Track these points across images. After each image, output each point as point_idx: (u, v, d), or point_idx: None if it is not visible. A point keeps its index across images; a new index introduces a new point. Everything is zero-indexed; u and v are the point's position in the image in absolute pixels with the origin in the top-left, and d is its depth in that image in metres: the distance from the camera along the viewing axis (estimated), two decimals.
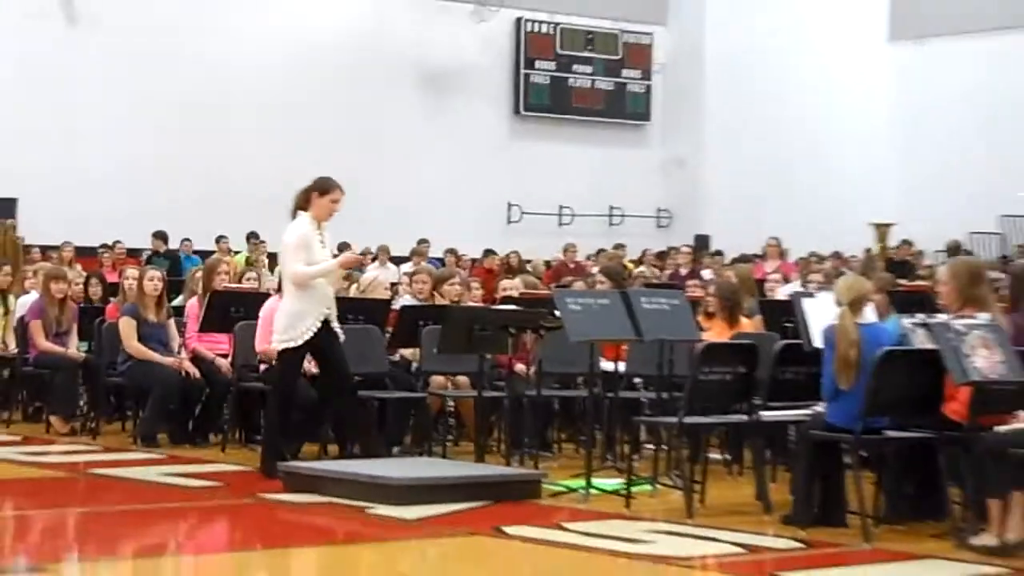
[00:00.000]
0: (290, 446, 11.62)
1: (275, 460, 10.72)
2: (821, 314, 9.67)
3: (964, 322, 8.60)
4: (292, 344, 10.84)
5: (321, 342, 10.95)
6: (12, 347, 14.46)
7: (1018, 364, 8.40)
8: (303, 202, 11.19)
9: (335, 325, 11.09)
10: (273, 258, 18.78)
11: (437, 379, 12.62)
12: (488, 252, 22.60)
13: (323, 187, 11.24)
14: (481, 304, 14.84)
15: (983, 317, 8.69)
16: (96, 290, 15.70)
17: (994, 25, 27.18)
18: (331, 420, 12.05)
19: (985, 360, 8.39)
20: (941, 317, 9.04)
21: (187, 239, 21.58)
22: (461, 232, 22.65)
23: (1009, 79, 26.86)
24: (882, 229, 22.77)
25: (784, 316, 12.16)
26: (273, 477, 10.50)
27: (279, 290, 12.92)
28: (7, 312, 14.65)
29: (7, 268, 15.63)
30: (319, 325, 10.87)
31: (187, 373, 12.72)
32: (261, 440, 11.56)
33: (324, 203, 11.18)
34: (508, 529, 8.70)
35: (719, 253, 23.91)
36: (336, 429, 12.11)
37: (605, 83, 27.44)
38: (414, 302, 13.85)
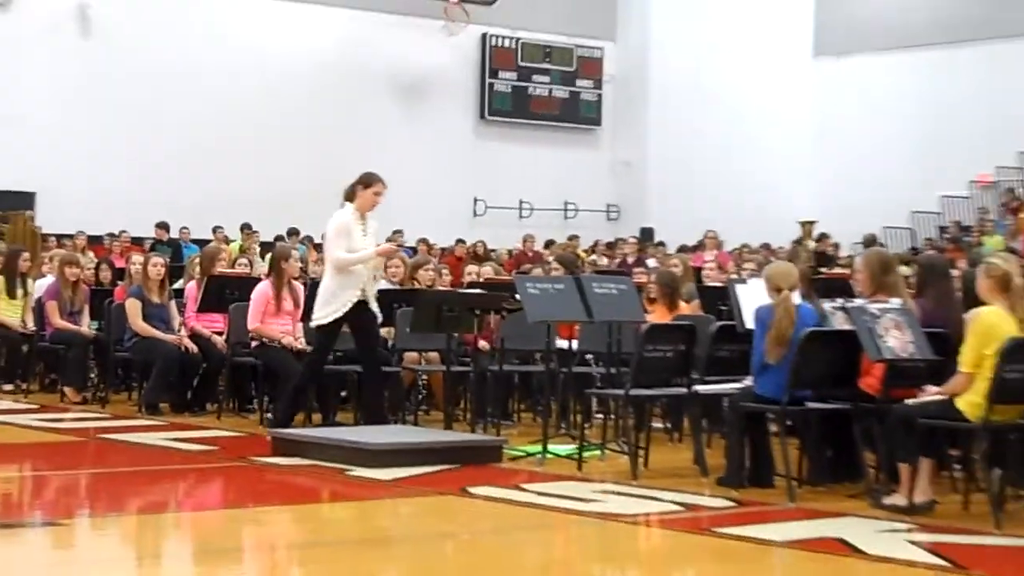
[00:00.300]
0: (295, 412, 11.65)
1: (289, 419, 11.06)
2: (752, 298, 9.77)
3: (878, 306, 8.71)
4: (324, 320, 10.93)
5: (357, 320, 11.02)
6: (30, 325, 14.43)
7: (925, 344, 8.51)
8: (350, 194, 11.20)
9: (373, 306, 11.15)
10: (265, 247, 18.71)
11: (410, 355, 12.71)
12: (458, 241, 22.57)
13: (367, 181, 11.26)
14: (449, 288, 14.86)
15: (895, 302, 8.80)
16: (106, 274, 15.71)
17: (906, 43, 27.51)
18: (315, 391, 12.10)
19: (896, 340, 8.49)
20: (858, 302, 9.11)
21: (186, 228, 21.51)
22: (432, 224, 22.76)
23: (920, 90, 27.28)
24: (807, 225, 22.96)
25: (720, 300, 12.19)
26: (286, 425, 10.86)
27: (269, 274, 12.93)
28: (26, 294, 14.65)
29: (26, 254, 15.59)
30: (350, 305, 10.88)
31: (186, 349, 12.76)
32: (282, 398, 11.60)
33: (368, 195, 11.18)
34: (472, 489, 8.77)
35: (662, 244, 23.92)
36: (320, 399, 12.16)
37: (561, 92, 27.62)
38: (389, 286, 13.71)
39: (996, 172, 25.35)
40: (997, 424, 7.86)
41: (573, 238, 23.42)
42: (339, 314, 10.90)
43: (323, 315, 10.91)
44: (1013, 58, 25.93)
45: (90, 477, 9.67)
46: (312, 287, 13.00)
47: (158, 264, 13.60)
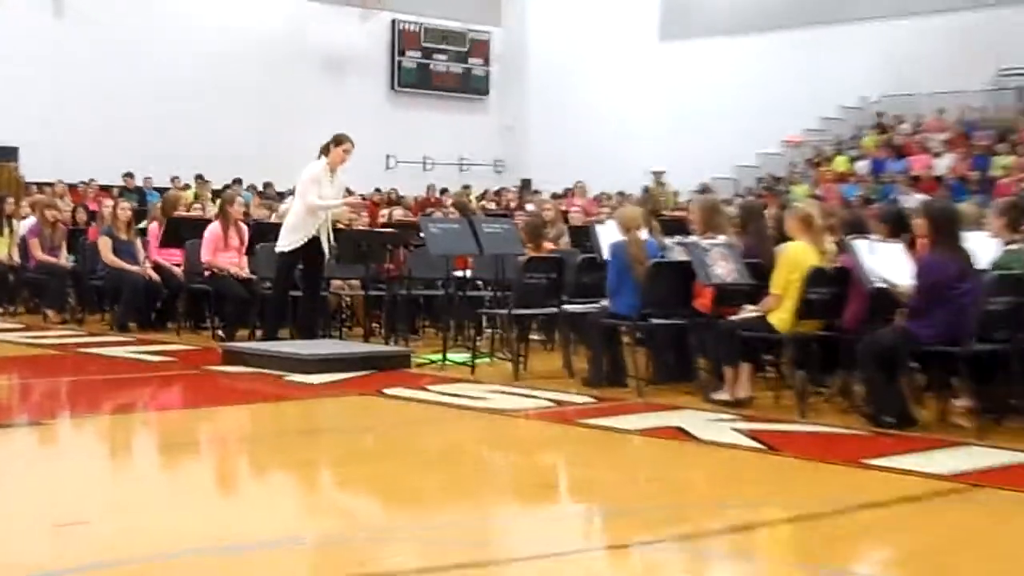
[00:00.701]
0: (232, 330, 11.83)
1: (274, 332, 11.15)
2: (608, 236, 9.92)
3: (708, 241, 8.88)
4: (286, 248, 10.92)
5: (307, 253, 10.98)
6: (16, 259, 14.26)
7: (745, 271, 8.70)
8: (324, 150, 11.22)
9: (324, 245, 11.09)
10: (215, 194, 18.51)
11: (336, 282, 12.63)
12: (375, 190, 22.34)
13: (338, 140, 11.29)
14: (366, 228, 14.55)
15: (721, 238, 8.98)
16: (81, 216, 15.70)
17: (735, 30, 27.54)
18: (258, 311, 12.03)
19: (723, 268, 8.68)
20: (692, 238, 9.23)
21: (149, 177, 21.20)
22: (353, 175, 22.40)
23: (745, 67, 27.29)
24: (657, 175, 22.95)
25: (584, 238, 12.20)
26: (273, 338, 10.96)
27: (218, 216, 12.93)
28: (11, 232, 14.46)
29: (11, 200, 15.49)
30: (305, 241, 10.87)
31: (150, 278, 12.69)
32: (264, 317, 11.64)
33: (338, 152, 11.20)
34: (387, 390, 8.88)
35: (538, 192, 23.74)
36: (260, 317, 11.99)
37: (456, 68, 27.48)
38: None
39: (804, 134, 25.56)
40: (801, 335, 8.17)
41: (466, 187, 23.24)
42: (298, 244, 10.89)
43: (286, 243, 10.91)
44: (818, 42, 26.10)
45: (69, 384, 9.64)
46: (255, 228, 13.14)
47: (125, 208, 13.57)
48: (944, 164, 22.64)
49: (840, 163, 24.15)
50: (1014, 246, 8.04)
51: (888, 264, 8.05)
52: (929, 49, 24.42)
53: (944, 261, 7.61)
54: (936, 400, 8.06)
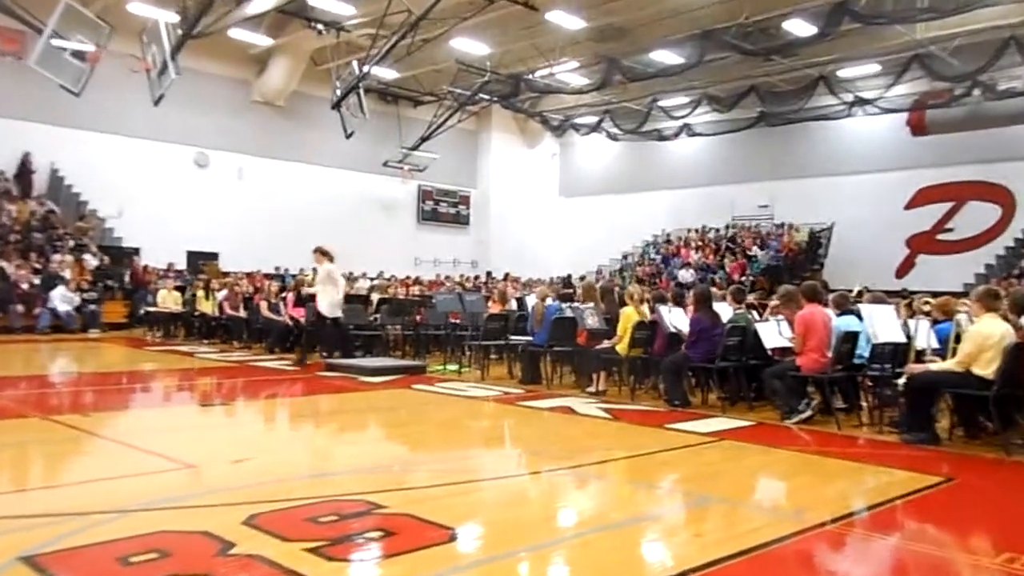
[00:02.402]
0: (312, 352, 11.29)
1: (305, 359, 10.55)
2: (532, 302, 9.93)
3: (584, 306, 8.90)
4: (326, 313, 10.44)
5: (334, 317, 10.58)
6: (215, 313, 14.01)
7: (604, 322, 8.67)
8: (330, 259, 10.56)
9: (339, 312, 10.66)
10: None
11: (388, 327, 12.33)
12: (406, 276, 21.86)
13: (331, 256, 10.59)
14: (404, 297, 14.32)
15: (591, 304, 8.96)
16: (249, 289, 15.15)
17: (600, 191, 27.41)
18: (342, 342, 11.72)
19: (592, 320, 8.67)
20: (576, 304, 9.21)
21: (287, 267, 20.74)
22: (394, 268, 22.48)
23: (605, 214, 26.87)
24: (556, 277, 23.02)
25: (520, 303, 12.07)
26: (304, 366, 10.32)
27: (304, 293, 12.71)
28: (213, 298, 14.22)
29: (214, 280, 15.26)
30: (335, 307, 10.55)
31: (288, 324, 12.33)
32: (299, 348, 11.08)
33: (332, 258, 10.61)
34: (414, 386, 8.74)
35: (494, 277, 23.64)
36: (342, 347, 11.69)
37: (452, 210, 27.03)
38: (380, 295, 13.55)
39: (633, 248, 25.30)
40: (632, 357, 8.14)
41: (462, 276, 23.31)
42: (332, 314, 10.46)
43: (327, 311, 10.35)
44: (640, 199, 25.84)
45: (243, 382, 9.35)
46: (346, 296, 12.76)
47: (272, 285, 13.63)
48: (696, 257, 22.75)
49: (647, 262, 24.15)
50: (739, 310, 8.16)
51: (677, 319, 8.15)
52: (692, 204, 24.72)
53: (703, 317, 7.70)
54: (701, 392, 8.09)
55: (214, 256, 20.22)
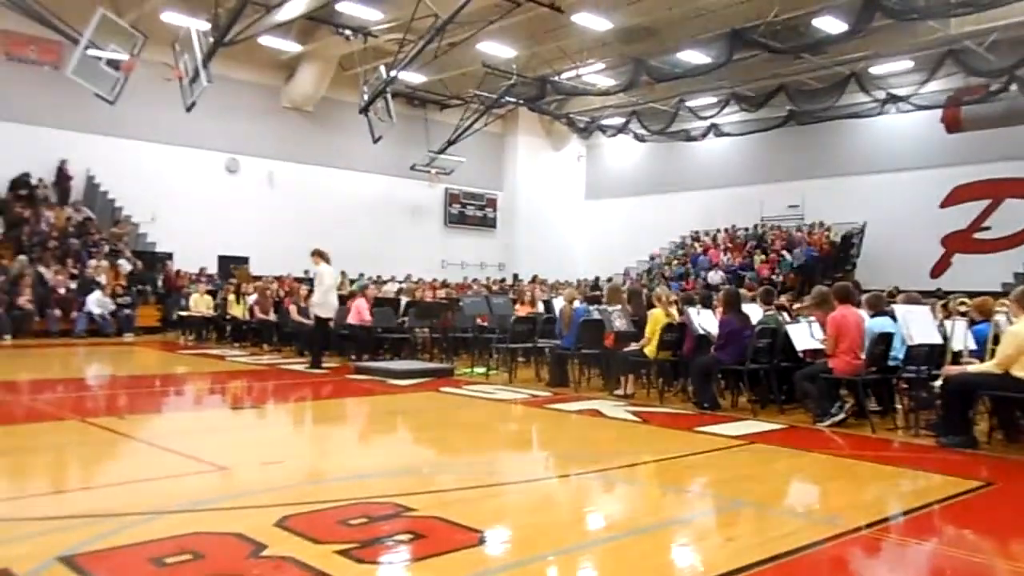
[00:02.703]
0: (359, 355, 11.42)
1: (319, 362, 10.55)
2: (559, 304, 9.90)
3: (612, 308, 8.85)
4: (322, 315, 10.64)
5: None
6: (246, 316, 14.15)
7: (631, 325, 8.61)
8: (327, 260, 10.69)
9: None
10: (352, 282, 18.55)
11: (417, 330, 12.35)
12: (433, 279, 21.86)
13: (328, 258, 10.69)
14: (433, 300, 14.24)
15: (618, 306, 8.92)
16: (279, 292, 15.27)
17: (624, 193, 27.36)
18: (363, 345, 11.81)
19: (620, 322, 8.64)
20: (603, 306, 9.15)
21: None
22: (422, 271, 22.54)
23: (630, 215, 26.96)
24: (587, 279, 22.97)
25: (547, 305, 11.98)
26: (320, 367, 10.37)
27: (357, 295, 12.81)
28: (244, 302, 14.37)
29: (244, 284, 15.40)
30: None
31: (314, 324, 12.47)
32: (311, 351, 10.95)
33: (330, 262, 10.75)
34: (442, 389, 8.76)
35: (522, 280, 23.70)
36: (370, 350, 11.75)
37: (479, 213, 26.93)
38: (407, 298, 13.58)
39: (660, 249, 25.15)
40: (660, 360, 8.08)
41: (488, 279, 23.34)
42: (324, 315, 10.65)
43: (320, 312, 10.64)
44: (668, 200, 25.90)
45: (273, 385, 9.39)
46: (375, 300, 12.69)
47: (303, 288, 13.70)
48: (725, 259, 22.46)
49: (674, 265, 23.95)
50: (769, 312, 8.07)
51: (706, 321, 8.08)
52: (720, 205, 24.49)
53: (732, 319, 7.62)
54: (731, 395, 8.01)
55: (245, 260, 20.46)
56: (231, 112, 20.66)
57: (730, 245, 23.21)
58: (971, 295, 7.96)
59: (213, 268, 19.90)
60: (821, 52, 17.41)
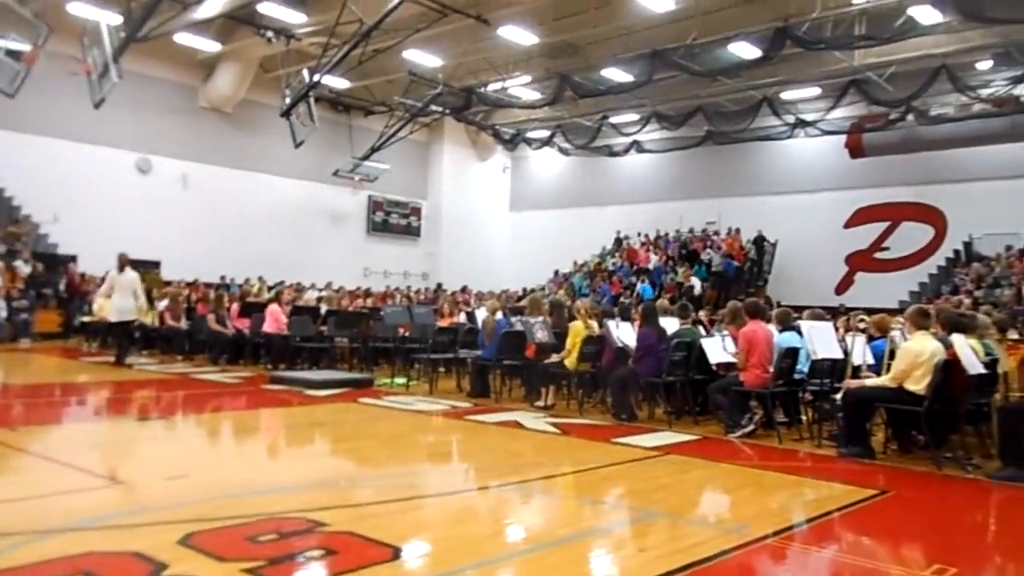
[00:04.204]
0: (275, 364, 11.19)
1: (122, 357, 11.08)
2: (481, 315, 9.91)
3: (533, 319, 8.88)
4: (124, 318, 11.15)
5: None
6: (156, 323, 13.56)
7: (552, 336, 8.67)
8: (132, 266, 11.04)
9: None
10: (270, 288, 17.93)
11: (337, 339, 12.12)
12: (356, 288, 21.11)
13: (130, 264, 10.99)
14: (354, 309, 14.12)
15: (540, 318, 8.97)
16: (192, 298, 14.81)
17: (548, 205, 27.59)
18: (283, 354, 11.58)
19: (541, 334, 8.68)
20: (525, 317, 9.15)
21: (233, 277, 20.07)
22: (344, 280, 21.87)
23: (550, 228, 27.19)
24: (510, 290, 22.98)
25: (470, 316, 12.04)
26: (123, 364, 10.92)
27: (273, 301, 12.52)
28: (154, 308, 13.76)
29: (155, 290, 14.80)
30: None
31: (233, 335, 12.16)
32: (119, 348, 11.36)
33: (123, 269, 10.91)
34: (360, 399, 8.66)
35: (445, 290, 23.58)
36: (288, 358, 11.53)
37: (403, 221, 26.55)
38: (328, 307, 13.34)
39: (571, 265, 25.20)
40: (580, 371, 8.21)
41: (408, 288, 22.98)
42: (119, 319, 10.97)
43: (115, 317, 11.00)
44: (589, 213, 26.23)
45: (183, 395, 9.10)
46: (293, 308, 12.55)
47: (217, 294, 13.27)
48: (654, 259, 22.89)
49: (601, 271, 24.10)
50: (685, 325, 8.28)
51: (624, 333, 8.22)
52: (642, 219, 24.96)
53: (650, 332, 7.79)
54: (648, 406, 8.15)
55: (156, 265, 19.60)
56: (144, 110, 19.80)
57: (656, 247, 23.73)
58: (871, 312, 8.41)
59: None
60: (736, 76, 18.12)
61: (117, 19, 15.09)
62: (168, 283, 16.98)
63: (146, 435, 6.75)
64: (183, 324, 13.19)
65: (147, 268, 19.20)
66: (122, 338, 11.43)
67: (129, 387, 9.53)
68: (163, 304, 13.65)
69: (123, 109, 18.30)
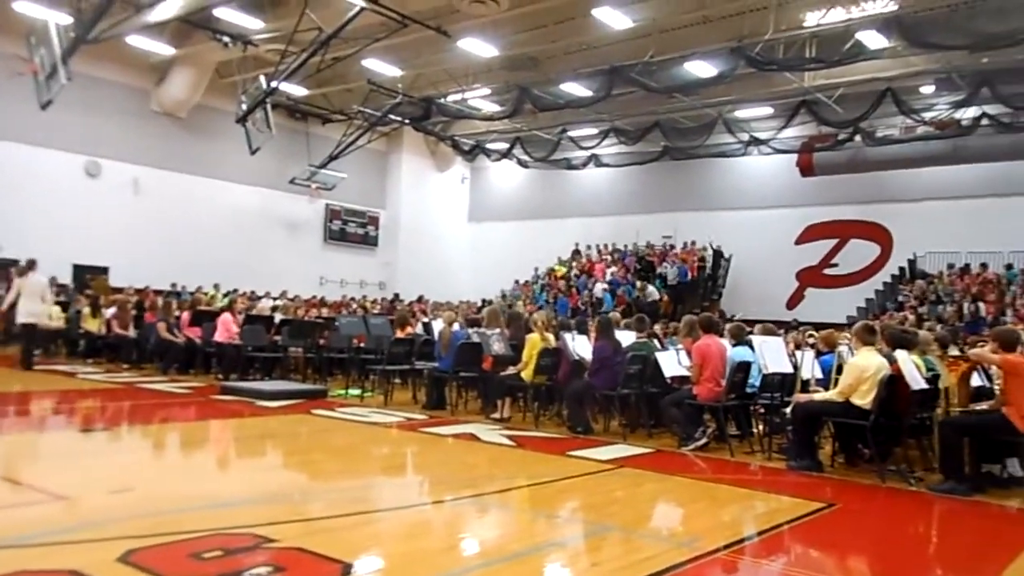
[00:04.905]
0: (226, 374, 10.99)
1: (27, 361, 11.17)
2: (438, 327, 9.83)
3: (490, 331, 8.87)
4: (30, 321, 11.31)
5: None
6: (103, 331, 13.18)
7: (509, 349, 8.63)
8: (29, 271, 11.25)
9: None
10: (225, 296, 17.64)
11: (290, 349, 11.82)
12: (312, 296, 21.32)
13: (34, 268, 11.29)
14: (309, 319, 13.92)
15: (497, 330, 8.96)
16: (143, 305, 14.30)
17: (509, 217, 27.60)
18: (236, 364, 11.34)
19: (498, 346, 8.67)
20: (482, 329, 9.13)
21: (184, 285, 19.56)
22: (300, 289, 21.69)
23: (513, 239, 27.18)
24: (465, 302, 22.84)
25: (426, 327, 11.87)
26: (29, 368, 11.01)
27: (226, 310, 12.27)
28: (101, 316, 13.38)
29: (102, 296, 14.38)
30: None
31: (183, 344, 11.83)
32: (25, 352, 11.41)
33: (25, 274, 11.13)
34: (314, 411, 8.55)
35: (402, 300, 23.27)
36: (237, 369, 11.25)
37: (360, 230, 26.29)
38: (284, 316, 13.11)
39: (531, 276, 25.29)
40: (536, 384, 8.21)
41: (363, 297, 22.83)
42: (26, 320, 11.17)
43: (23, 318, 11.18)
44: (548, 225, 26.31)
45: (129, 405, 8.78)
46: (246, 317, 12.28)
47: (170, 302, 12.88)
48: (610, 272, 22.94)
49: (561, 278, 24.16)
50: (641, 339, 8.36)
51: (580, 346, 8.26)
52: (600, 231, 25.17)
53: (606, 345, 7.84)
54: (604, 419, 8.19)
55: (103, 271, 19.07)
56: (94, 113, 19.28)
57: (612, 260, 23.89)
58: (820, 327, 8.61)
59: (66, 278, 18.38)
60: (692, 94, 18.47)
61: (67, 19, 14.69)
62: (118, 290, 16.52)
63: (90, 447, 6.52)
64: (131, 332, 12.81)
65: (94, 274, 18.78)
66: (28, 342, 11.39)
67: (72, 397, 9.22)
68: (110, 311, 13.23)
69: (72, 111, 17.82)
